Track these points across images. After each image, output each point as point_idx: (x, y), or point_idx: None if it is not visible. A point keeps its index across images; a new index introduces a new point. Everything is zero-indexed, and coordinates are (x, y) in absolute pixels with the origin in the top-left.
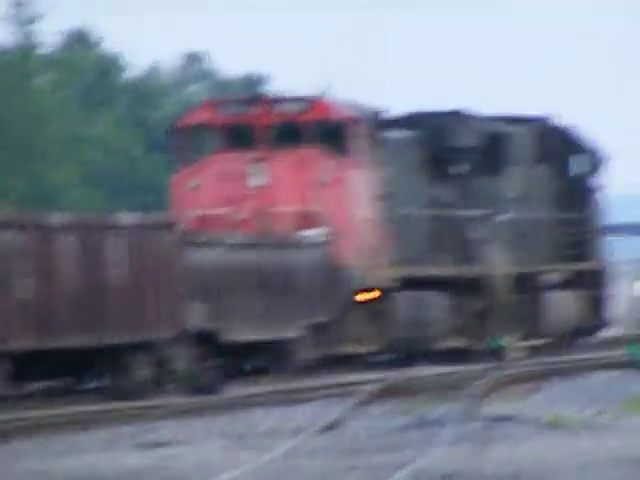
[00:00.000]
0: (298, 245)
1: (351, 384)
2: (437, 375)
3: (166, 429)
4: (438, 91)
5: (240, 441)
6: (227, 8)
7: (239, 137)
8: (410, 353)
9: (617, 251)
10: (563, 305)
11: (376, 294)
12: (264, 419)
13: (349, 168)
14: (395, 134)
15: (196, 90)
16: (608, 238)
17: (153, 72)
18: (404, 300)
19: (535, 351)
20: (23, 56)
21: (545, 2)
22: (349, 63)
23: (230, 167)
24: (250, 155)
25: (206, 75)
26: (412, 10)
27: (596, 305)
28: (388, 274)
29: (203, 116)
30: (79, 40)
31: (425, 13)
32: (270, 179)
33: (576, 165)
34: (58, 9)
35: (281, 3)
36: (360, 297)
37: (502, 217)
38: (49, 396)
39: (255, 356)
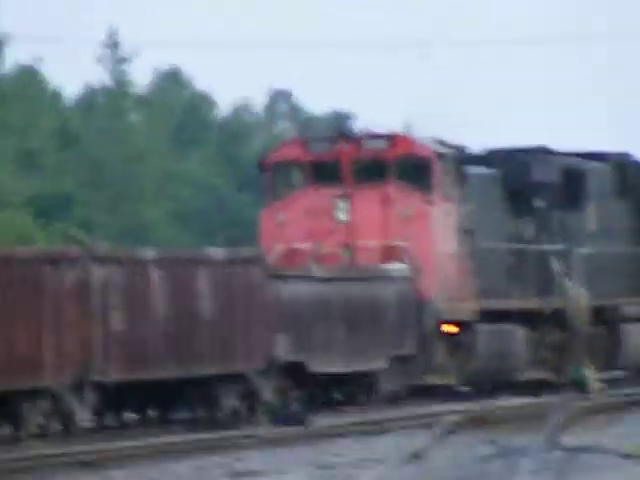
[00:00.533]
0: (382, 278)
1: (434, 415)
2: (519, 406)
3: (255, 459)
4: (515, 128)
5: (326, 471)
6: (310, 47)
7: (325, 173)
8: (492, 384)
9: None
10: None
11: (457, 327)
12: (349, 449)
13: (432, 203)
14: (477, 170)
15: (284, 127)
16: None
17: (241, 109)
18: (485, 333)
19: (615, 383)
20: (117, 96)
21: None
22: (432, 101)
23: (317, 202)
24: (336, 191)
25: (293, 112)
26: (491, 49)
27: None
28: (470, 307)
29: (291, 153)
30: (170, 79)
31: (501, 52)
32: (355, 214)
33: None
34: (149, 48)
35: (365, 43)
36: (443, 329)
37: (581, 251)
38: (143, 426)
39: (341, 387)
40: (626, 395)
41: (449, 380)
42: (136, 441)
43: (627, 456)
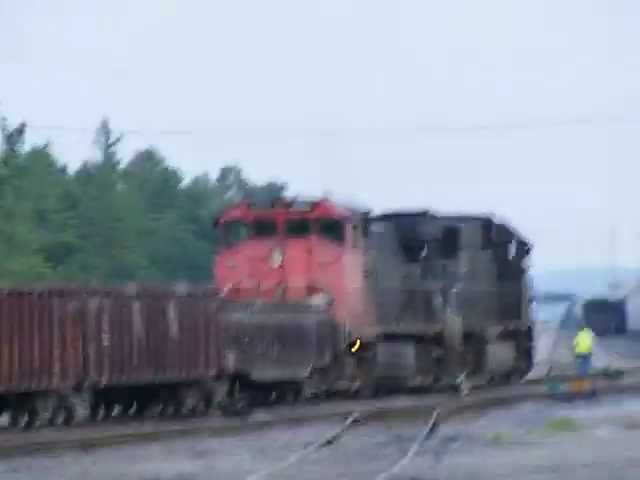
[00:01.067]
0: (306, 309)
1: (345, 411)
2: (408, 405)
3: (210, 443)
4: (405, 192)
5: (264, 452)
6: (248, 132)
7: (264, 229)
8: (388, 388)
9: (539, 313)
10: (501, 353)
11: (362, 346)
12: (281, 436)
13: (344, 252)
14: (377, 227)
15: (233, 194)
16: (534, 304)
17: (200, 180)
18: (384, 349)
19: (480, 387)
20: (107, 170)
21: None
22: (346, 174)
23: (257, 251)
24: (272, 243)
25: (239, 183)
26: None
27: (525, 353)
28: (372, 330)
29: (238, 213)
30: (147, 157)
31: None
32: (286, 260)
33: (512, 250)
34: (132, 134)
35: (293, 129)
36: (352, 347)
37: (455, 289)
38: (126, 418)
39: (276, 389)
40: (488, 396)
41: (356, 385)
42: (121, 429)
43: (488, 441)
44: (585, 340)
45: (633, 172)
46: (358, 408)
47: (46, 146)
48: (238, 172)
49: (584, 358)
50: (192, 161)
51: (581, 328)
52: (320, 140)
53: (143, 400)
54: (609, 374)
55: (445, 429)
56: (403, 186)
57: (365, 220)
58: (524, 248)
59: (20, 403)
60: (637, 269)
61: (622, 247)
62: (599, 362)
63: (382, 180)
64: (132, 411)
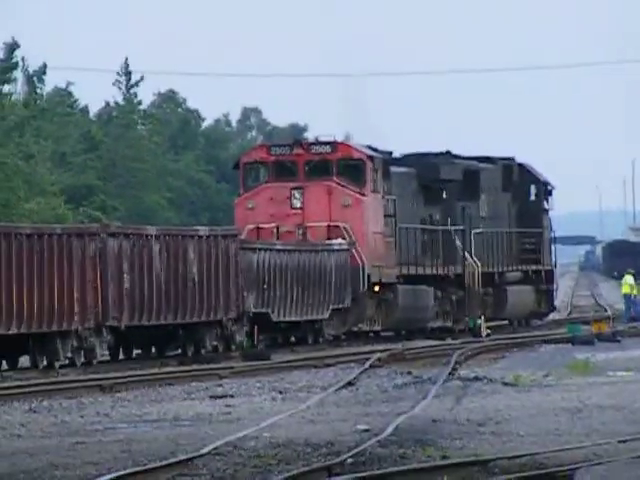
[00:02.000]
0: (326, 251)
1: (365, 353)
2: (428, 347)
3: (230, 385)
4: (427, 135)
5: (283, 394)
6: (277, 76)
7: (284, 171)
8: (408, 330)
9: (560, 256)
10: (521, 296)
11: (383, 287)
12: (301, 378)
13: (364, 195)
14: (399, 169)
15: (253, 135)
16: (555, 246)
17: (221, 122)
18: (404, 291)
19: (500, 329)
20: (128, 112)
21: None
22: (366, 117)
23: (277, 193)
24: (292, 184)
25: (261, 124)
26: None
27: (546, 296)
28: (392, 272)
29: (258, 155)
30: (168, 99)
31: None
32: (307, 202)
33: (533, 192)
34: (153, 75)
35: (315, 72)
36: (372, 289)
37: (476, 231)
38: (146, 360)
39: (295, 331)
40: (508, 339)
41: (376, 327)
42: (141, 371)
43: (507, 384)
44: (627, 282)
45: None
46: (378, 350)
47: (67, 87)
48: (259, 114)
49: (630, 299)
50: (213, 103)
51: (627, 271)
52: (341, 82)
53: (163, 342)
54: (629, 317)
55: (465, 371)
56: (425, 130)
57: (386, 162)
58: (545, 190)
59: (40, 345)
60: None
61: None
62: (619, 305)
63: (404, 123)
64: (152, 353)
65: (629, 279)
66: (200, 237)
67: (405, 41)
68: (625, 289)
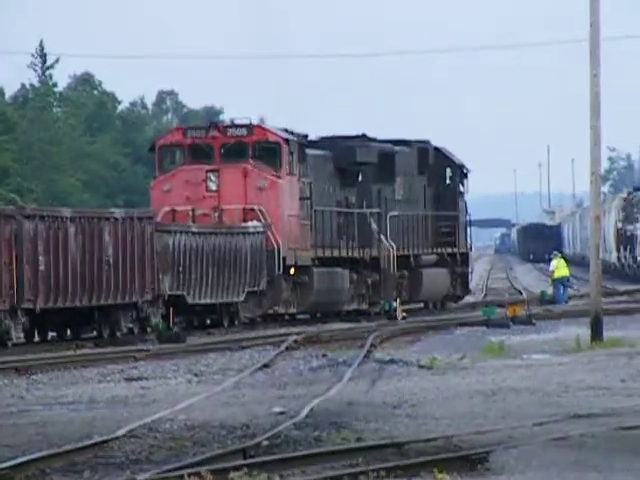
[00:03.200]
0: (242, 233)
1: (280, 335)
2: (344, 329)
3: (145, 367)
4: (345, 120)
5: (199, 377)
6: (191, 58)
7: (200, 153)
8: (324, 313)
9: (475, 239)
10: (436, 278)
11: (298, 270)
12: (216, 361)
13: (280, 177)
14: (314, 152)
15: (169, 118)
16: (469, 229)
17: (137, 105)
18: (320, 274)
19: (416, 312)
20: (44, 94)
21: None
22: (281, 101)
23: (193, 176)
24: (208, 167)
25: (176, 107)
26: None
27: (461, 279)
28: (308, 255)
29: (174, 138)
30: (84, 81)
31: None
32: (222, 185)
33: (449, 175)
34: (69, 57)
35: (230, 54)
36: (288, 272)
37: (391, 214)
38: (61, 342)
39: (211, 314)
40: (423, 322)
41: (292, 310)
42: (56, 353)
43: (422, 366)
44: (563, 265)
45: (566, 95)
46: (294, 333)
47: None
48: (175, 96)
49: (562, 283)
50: (129, 86)
51: (555, 255)
52: (258, 65)
53: (78, 324)
54: (544, 299)
55: (380, 354)
56: (340, 114)
57: (301, 145)
58: (461, 173)
59: None
60: (571, 195)
61: (556, 172)
62: (535, 288)
63: (318, 106)
64: (67, 335)
65: (562, 262)
66: (116, 219)
67: (323, 23)
68: (562, 272)
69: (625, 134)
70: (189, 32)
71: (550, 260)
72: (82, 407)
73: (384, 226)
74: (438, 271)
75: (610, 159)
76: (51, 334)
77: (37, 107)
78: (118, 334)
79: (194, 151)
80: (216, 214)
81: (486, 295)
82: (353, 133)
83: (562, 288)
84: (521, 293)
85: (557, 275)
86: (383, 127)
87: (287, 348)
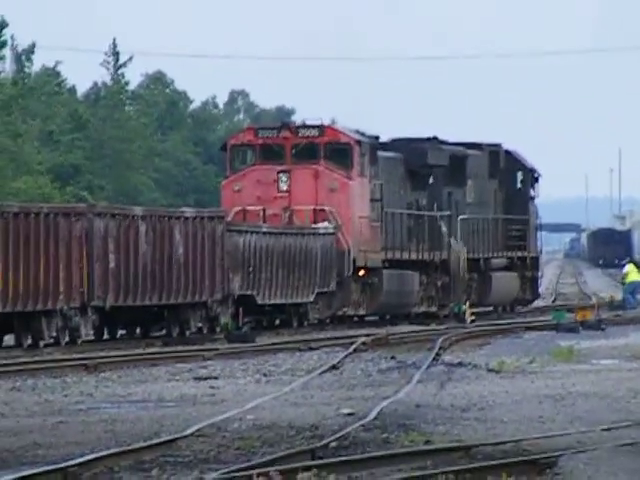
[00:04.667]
0: (313, 234)
1: (349, 337)
2: (413, 332)
3: (214, 367)
4: (416, 121)
5: (268, 376)
6: (264, 58)
7: (271, 154)
8: (393, 315)
9: (545, 243)
10: (506, 282)
11: (368, 272)
12: (285, 361)
13: (351, 179)
14: (385, 154)
15: (241, 118)
16: (540, 233)
17: (209, 104)
18: (389, 276)
19: (485, 316)
20: (116, 92)
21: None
22: (353, 102)
23: (264, 176)
24: (279, 167)
25: (248, 107)
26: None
27: (531, 283)
28: (378, 257)
29: (246, 137)
30: (156, 80)
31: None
32: (293, 185)
33: (520, 179)
34: (141, 56)
35: (304, 56)
36: (357, 273)
37: (462, 217)
38: (130, 340)
39: (280, 314)
40: (492, 325)
41: (361, 311)
42: (125, 351)
43: (491, 370)
44: (635, 271)
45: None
46: (363, 334)
47: (55, 66)
48: (246, 96)
49: (634, 288)
50: (201, 85)
51: (629, 261)
52: (330, 66)
53: (148, 323)
54: (615, 305)
55: (449, 357)
56: (412, 115)
57: (373, 146)
58: (531, 177)
59: (25, 324)
60: None
61: (627, 177)
62: (604, 293)
63: (391, 109)
64: (136, 334)
65: (634, 268)
66: (186, 218)
67: (394, 27)
68: (634, 277)
69: None
70: (262, 31)
71: (623, 266)
72: (151, 405)
73: (454, 229)
74: (508, 275)
75: None
76: (120, 332)
77: (109, 105)
78: (187, 333)
79: (265, 151)
80: (287, 214)
81: (555, 299)
82: (424, 136)
83: (633, 294)
84: (590, 298)
85: (629, 280)
86: (455, 130)
87: (356, 350)
